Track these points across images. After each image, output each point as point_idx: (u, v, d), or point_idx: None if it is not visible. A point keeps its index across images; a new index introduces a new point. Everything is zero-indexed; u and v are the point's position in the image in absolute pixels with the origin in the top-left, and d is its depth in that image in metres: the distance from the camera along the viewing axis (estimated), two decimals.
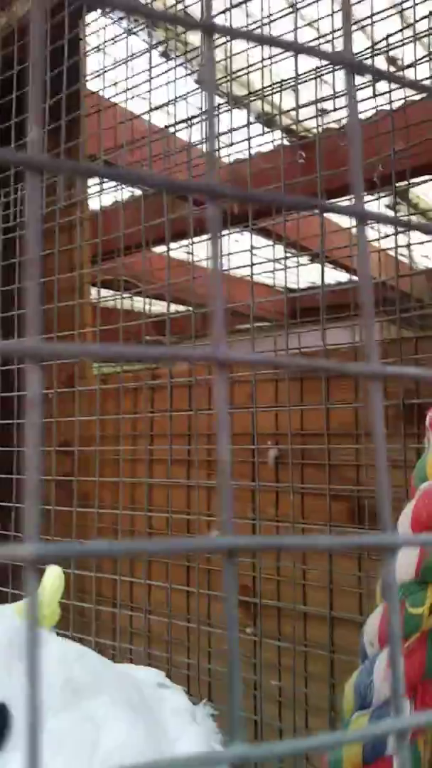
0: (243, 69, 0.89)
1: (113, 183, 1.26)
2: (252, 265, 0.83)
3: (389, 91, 0.70)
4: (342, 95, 0.75)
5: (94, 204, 1.04)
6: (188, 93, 0.93)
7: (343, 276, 1.93)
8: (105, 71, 0.91)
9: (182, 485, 0.85)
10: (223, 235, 0.94)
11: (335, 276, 1.93)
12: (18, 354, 0.11)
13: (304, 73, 0.79)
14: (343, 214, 0.13)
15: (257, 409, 0.77)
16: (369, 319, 0.13)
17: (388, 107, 0.70)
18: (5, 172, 1.00)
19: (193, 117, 0.95)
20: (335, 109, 0.81)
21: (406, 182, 0.74)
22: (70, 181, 0.89)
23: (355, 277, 1.89)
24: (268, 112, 1.15)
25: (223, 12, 0.85)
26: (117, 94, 0.94)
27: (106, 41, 0.91)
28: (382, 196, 0.81)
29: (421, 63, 0.68)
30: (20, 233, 0.98)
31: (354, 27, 0.87)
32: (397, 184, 0.72)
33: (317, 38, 0.79)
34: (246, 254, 0.84)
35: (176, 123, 0.92)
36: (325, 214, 1.06)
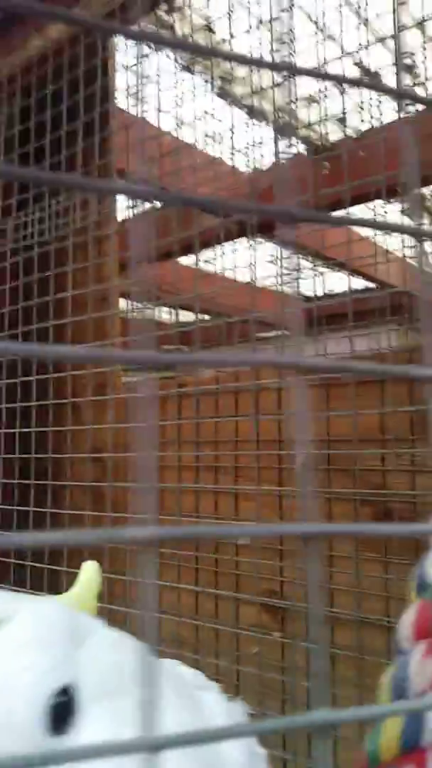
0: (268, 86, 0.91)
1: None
2: (282, 275, 0.85)
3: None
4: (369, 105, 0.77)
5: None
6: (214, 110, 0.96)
7: (361, 284, 1.94)
8: (138, 91, 0.94)
9: (210, 491, 0.87)
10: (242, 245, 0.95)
11: (353, 284, 1.94)
12: (141, 361, 0.12)
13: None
14: (402, 233, 0.15)
15: (285, 416, 0.79)
16: (428, 324, 0.14)
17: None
18: (23, 194, 1.03)
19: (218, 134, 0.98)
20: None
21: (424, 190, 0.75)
22: (102, 197, 0.92)
23: (371, 284, 1.90)
24: (288, 123, 1.17)
25: (247, 31, 0.87)
26: (146, 110, 0.97)
27: (138, 61, 0.94)
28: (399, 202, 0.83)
29: None
30: (39, 251, 1.01)
31: (373, 39, 0.89)
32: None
33: (341, 56, 0.81)
34: (266, 262, 0.86)
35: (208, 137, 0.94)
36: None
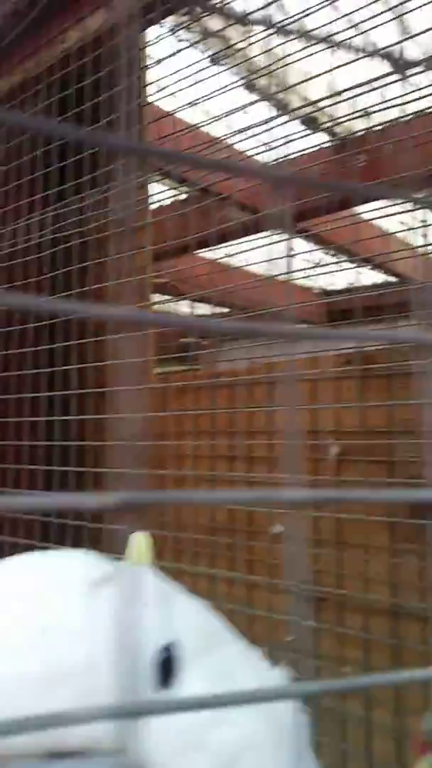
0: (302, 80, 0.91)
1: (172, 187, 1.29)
2: (305, 269, 0.86)
3: None
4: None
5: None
6: (246, 104, 0.96)
7: (380, 278, 1.94)
8: (170, 84, 0.94)
9: (243, 480, 0.87)
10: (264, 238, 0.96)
11: (371, 278, 1.94)
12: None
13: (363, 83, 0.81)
14: None
15: (318, 407, 0.79)
16: None
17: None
18: (62, 185, 1.04)
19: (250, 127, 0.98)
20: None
21: None
22: (142, 185, 0.93)
23: (391, 278, 1.90)
24: (314, 116, 1.17)
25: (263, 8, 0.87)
26: (182, 107, 0.98)
27: (172, 53, 0.95)
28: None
29: None
30: (65, 245, 1.02)
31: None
32: None
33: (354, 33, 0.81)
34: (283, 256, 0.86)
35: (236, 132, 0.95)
36: (366, 218, 1.08)
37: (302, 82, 0.97)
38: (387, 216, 1.10)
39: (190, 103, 1.00)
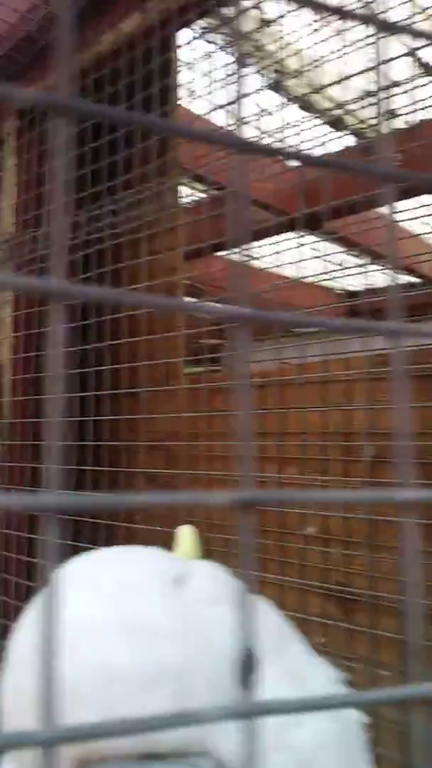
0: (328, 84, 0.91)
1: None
2: (329, 272, 0.86)
3: None
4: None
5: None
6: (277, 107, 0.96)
7: (407, 279, 1.93)
8: (202, 88, 0.95)
9: (273, 481, 0.88)
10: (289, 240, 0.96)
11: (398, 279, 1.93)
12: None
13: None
14: None
15: (353, 408, 0.79)
16: None
17: None
18: (96, 187, 1.05)
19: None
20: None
21: None
22: (175, 187, 0.94)
23: (415, 279, 1.89)
24: (341, 118, 1.17)
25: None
26: (213, 110, 0.98)
27: (200, 58, 0.95)
28: None
29: None
30: (98, 247, 1.02)
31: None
32: None
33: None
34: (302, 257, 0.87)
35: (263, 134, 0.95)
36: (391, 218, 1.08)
37: (333, 83, 0.97)
38: (412, 219, 1.10)
39: (220, 106, 1.00)
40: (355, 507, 0.79)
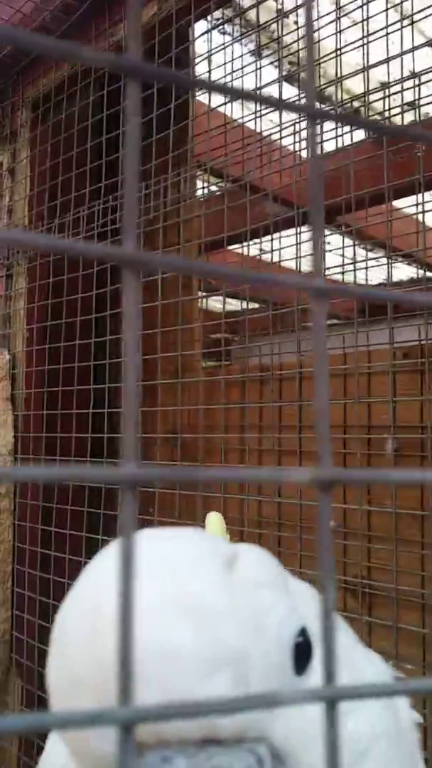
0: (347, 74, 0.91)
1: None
2: (346, 264, 0.85)
3: None
4: None
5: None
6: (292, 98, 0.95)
7: (416, 272, 1.92)
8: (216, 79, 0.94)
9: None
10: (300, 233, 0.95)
11: (408, 273, 1.92)
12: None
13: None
14: None
15: (374, 401, 0.79)
16: None
17: None
18: (111, 178, 1.04)
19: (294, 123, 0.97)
20: None
21: None
22: (192, 179, 0.93)
23: (429, 274, 1.88)
24: (356, 110, 1.16)
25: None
26: (226, 103, 0.97)
27: (213, 50, 0.94)
28: None
29: None
30: (115, 238, 1.02)
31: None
32: None
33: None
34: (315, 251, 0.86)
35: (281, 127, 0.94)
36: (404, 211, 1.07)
37: (348, 76, 0.96)
38: (424, 212, 1.09)
39: (234, 98, 0.99)
40: (383, 500, 0.79)
